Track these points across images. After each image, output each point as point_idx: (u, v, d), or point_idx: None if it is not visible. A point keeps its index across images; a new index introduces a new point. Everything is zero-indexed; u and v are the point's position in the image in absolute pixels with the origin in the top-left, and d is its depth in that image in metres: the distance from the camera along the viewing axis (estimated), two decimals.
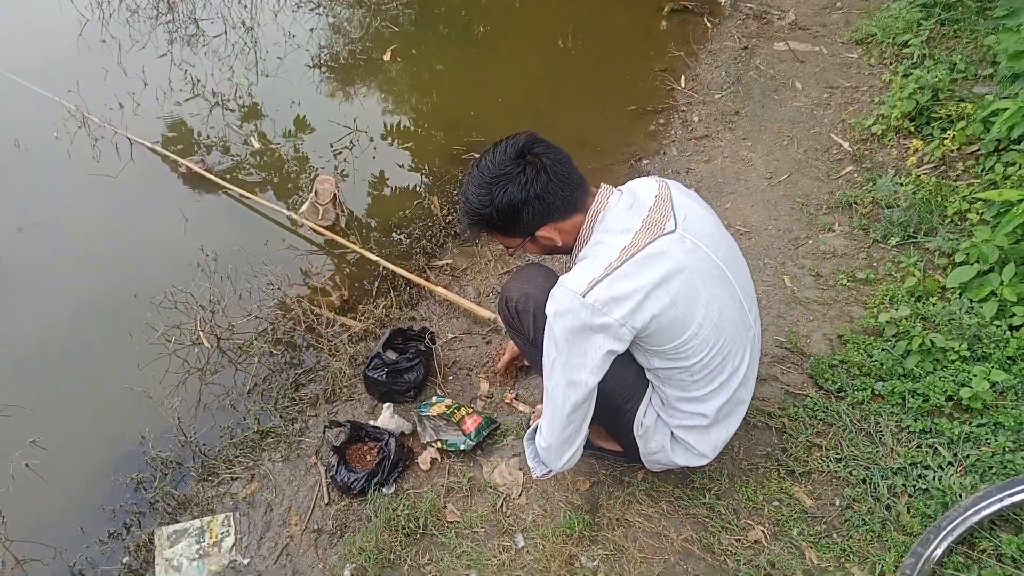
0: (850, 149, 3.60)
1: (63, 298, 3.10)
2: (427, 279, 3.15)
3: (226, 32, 4.84)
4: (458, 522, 2.27)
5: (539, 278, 2.00)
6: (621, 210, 1.80)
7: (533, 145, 1.80)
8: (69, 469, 2.54)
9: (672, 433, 2.00)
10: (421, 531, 2.24)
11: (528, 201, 1.77)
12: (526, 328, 2.02)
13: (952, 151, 3.28)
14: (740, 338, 1.87)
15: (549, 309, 1.75)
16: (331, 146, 3.97)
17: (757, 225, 3.29)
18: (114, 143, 3.88)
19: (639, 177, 3.47)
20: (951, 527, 1.93)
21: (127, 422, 2.63)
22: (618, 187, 1.89)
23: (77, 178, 3.69)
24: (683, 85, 4.33)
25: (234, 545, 2.30)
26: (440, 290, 3.04)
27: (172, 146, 3.93)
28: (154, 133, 3.95)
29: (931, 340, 2.44)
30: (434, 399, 2.62)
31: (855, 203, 3.24)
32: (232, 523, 2.35)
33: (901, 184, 3.21)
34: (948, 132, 3.33)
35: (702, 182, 3.60)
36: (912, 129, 3.55)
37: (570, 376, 1.75)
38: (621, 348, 1.75)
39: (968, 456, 2.18)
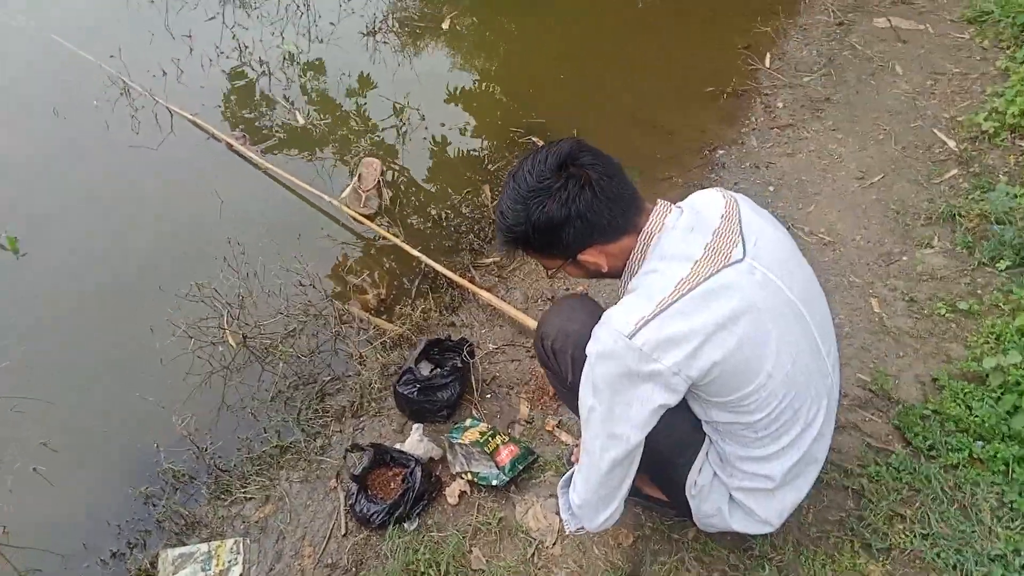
0: (956, 149, 3.17)
1: (88, 283, 2.98)
2: (471, 279, 2.90)
3: None
4: (483, 571, 2.05)
5: (581, 314, 1.73)
6: (680, 233, 1.52)
7: (578, 154, 1.51)
8: (78, 475, 2.41)
9: (731, 495, 1.72)
10: None
11: (569, 220, 1.50)
12: (564, 370, 1.77)
13: None
14: (815, 388, 1.58)
15: (590, 349, 1.49)
16: (387, 122, 3.72)
17: (843, 234, 2.92)
18: (154, 113, 3.71)
19: (707, 174, 3.08)
20: None
21: (142, 426, 2.49)
22: (678, 203, 1.60)
23: (115, 150, 3.54)
24: (768, 64, 3.91)
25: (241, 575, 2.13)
26: (484, 294, 2.79)
27: (214, 119, 3.74)
28: (196, 103, 3.76)
29: None
30: (468, 422, 2.38)
31: (959, 215, 2.84)
32: (241, 550, 2.18)
33: (1016, 196, 2.78)
34: None
35: (783, 179, 3.24)
36: None
37: (611, 429, 1.50)
38: (673, 401, 1.48)
39: None
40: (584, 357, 1.51)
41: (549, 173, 1.51)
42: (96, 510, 2.31)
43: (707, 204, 1.60)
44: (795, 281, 1.54)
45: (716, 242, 1.50)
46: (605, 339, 1.46)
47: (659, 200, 1.59)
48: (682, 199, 1.65)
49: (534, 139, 3.52)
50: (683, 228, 1.53)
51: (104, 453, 2.47)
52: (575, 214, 1.50)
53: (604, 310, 1.58)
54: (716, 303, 1.43)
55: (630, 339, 1.42)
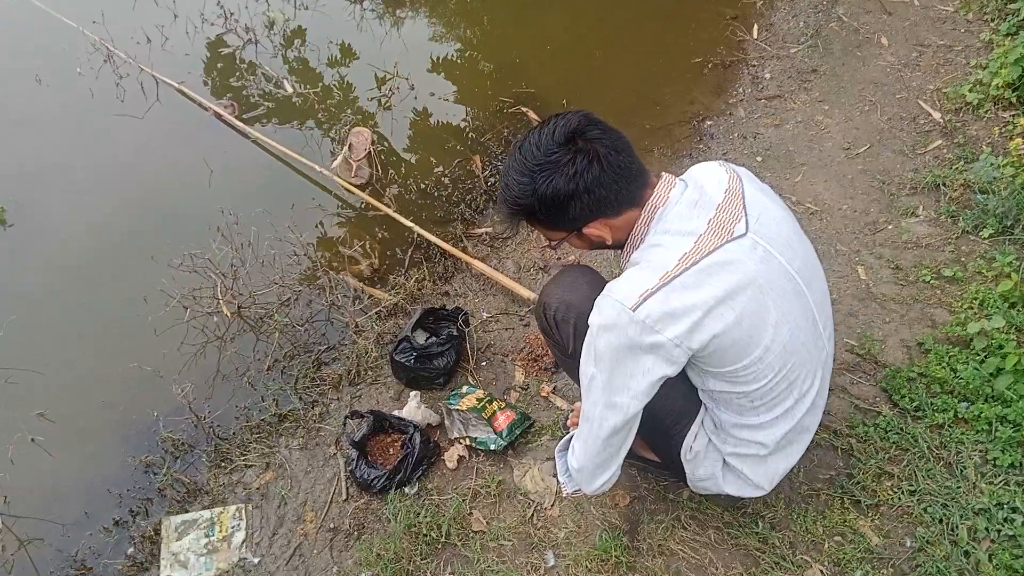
0: (940, 120, 3.22)
1: (78, 254, 2.96)
2: (464, 249, 2.91)
3: None
4: (484, 532, 2.09)
5: (583, 285, 1.76)
6: (684, 207, 1.54)
7: (587, 128, 1.52)
8: (76, 445, 2.42)
9: (724, 460, 1.77)
10: (444, 540, 2.07)
11: (576, 194, 1.52)
12: (565, 340, 1.79)
13: None
14: (811, 361, 1.62)
15: (593, 320, 1.51)
16: (377, 91, 3.70)
17: (830, 204, 2.96)
18: (139, 81, 3.65)
19: (696, 144, 3.10)
20: None
21: (139, 395, 2.50)
22: (681, 177, 1.62)
23: (100, 119, 3.50)
24: (755, 36, 3.92)
25: (244, 541, 2.16)
26: (477, 263, 2.81)
27: (200, 86, 3.70)
28: (182, 71, 3.71)
29: None
30: (465, 389, 2.42)
31: (943, 185, 2.89)
32: (244, 516, 2.20)
33: (999, 166, 2.84)
34: None
35: (770, 150, 3.27)
36: (1014, 100, 3.15)
37: (611, 398, 1.53)
38: (673, 372, 1.51)
39: None
40: (586, 327, 1.53)
41: (557, 147, 1.51)
42: (96, 479, 2.33)
43: (710, 178, 1.61)
44: (796, 256, 1.57)
45: (719, 217, 1.52)
46: (608, 311, 1.48)
47: (663, 173, 1.61)
48: (671, 169, 1.67)
49: (524, 109, 3.51)
50: (687, 203, 1.55)
51: (102, 423, 2.47)
52: (582, 188, 1.51)
53: (605, 280, 1.60)
54: (718, 277, 1.46)
55: (633, 311, 1.44)
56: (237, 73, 3.82)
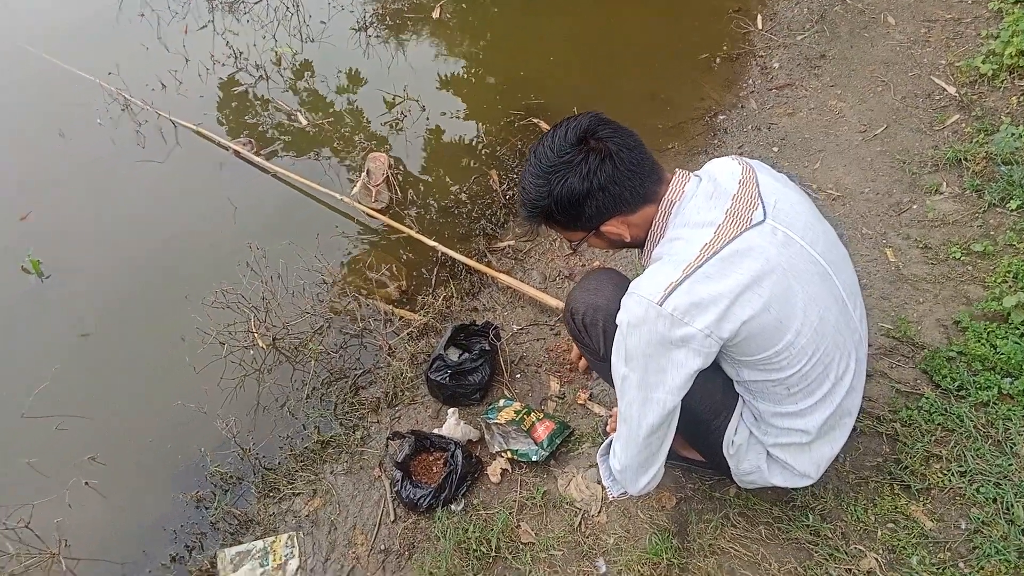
0: (956, 94, 3.19)
1: (113, 299, 3.02)
2: (488, 264, 2.94)
3: None
4: (533, 544, 2.10)
5: (608, 286, 1.78)
6: (701, 200, 1.56)
7: (597, 128, 1.56)
8: (128, 485, 2.46)
9: (768, 452, 1.77)
10: (494, 554, 2.08)
11: (591, 193, 1.55)
12: (595, 343, 1.81)
13: None
14: (844, 343, 1.62)
15: (621, 319, 1.53)
16: (388, 114, 3.75)
17: (851, 188, 2.95)
18: (158, 127, 3.72)
19: (711, 140, 3.11)
20: None
21: (185, 433, 2.54)
22: (695, 172, 1.64)
23: (123, 166, 3.56)
24: (760, 26, 3.92)
25: (299, 568, 2.18)
26: (503, 277, 2.83)
27: (217, 126, 3.77)
28: (198, 114, 3.77)
29: None
30: (502, 402, 2.43)
31: (965, 159, 2.87)
32: (296, 543, 2.23)
33: (1020, 136, 2.81)
34: None
35: (786, 139, 3.26)
36: None
37: (646, 395, 1.54)
38: (706, 363, 1.52)
39: None
40: (615, 328, 1.55)
41: (569, 147, 1.55)
42: (150, 517, 2.37)
43: (723, 171, 1.63)
44: (817, 239, 1.58)
45: (736, 206, 1.54)
46: (634, 308, 1.50)
47: (677, 169, 1.63)
48: (688, 167, 1.69)
49: (535, 120, 3.54)
50: (703, 195, 1.57)
51: (151, 462, 2.51)
52: (597, 186, 1.54)
53: (629, 280, 1.62)
54: (742, 265, 1.47)
55: (660, 305, 1.46)
56: (251, 110, 3.88)
